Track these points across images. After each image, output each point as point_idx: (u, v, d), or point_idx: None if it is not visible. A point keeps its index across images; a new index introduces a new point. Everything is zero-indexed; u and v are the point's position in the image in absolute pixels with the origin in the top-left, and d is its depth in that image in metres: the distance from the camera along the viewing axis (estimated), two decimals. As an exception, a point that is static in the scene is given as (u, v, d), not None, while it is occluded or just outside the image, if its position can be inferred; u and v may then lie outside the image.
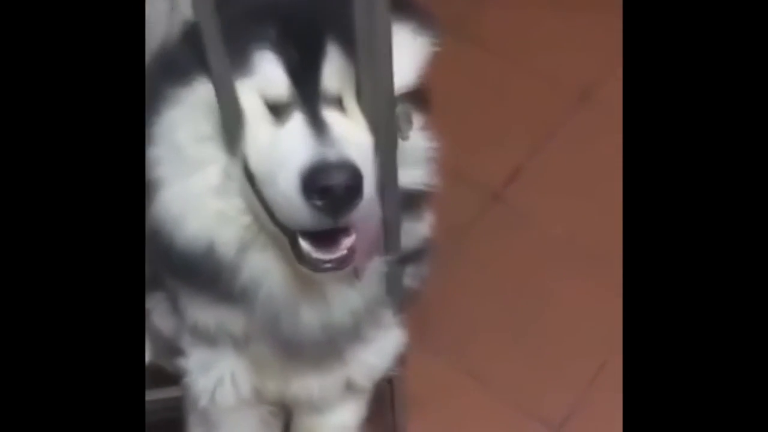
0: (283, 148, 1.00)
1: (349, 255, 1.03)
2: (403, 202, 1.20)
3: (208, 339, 1.25)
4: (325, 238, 1.02)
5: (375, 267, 1.19)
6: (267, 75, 1.04)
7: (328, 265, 1.03)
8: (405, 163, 1.15)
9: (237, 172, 1.07)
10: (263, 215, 1.07)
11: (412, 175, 1.19)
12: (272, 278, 1.14)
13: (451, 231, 1.85)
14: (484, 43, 2.26)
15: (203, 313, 1.20)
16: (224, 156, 1.07)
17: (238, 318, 1.19)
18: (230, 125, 1.03)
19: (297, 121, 1.02)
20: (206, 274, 1.13)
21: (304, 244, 1.02)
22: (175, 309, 1.25)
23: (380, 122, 1.05)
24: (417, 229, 1.30)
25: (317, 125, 1.00)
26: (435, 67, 1.18)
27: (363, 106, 1.06)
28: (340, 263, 1.03)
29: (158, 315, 1.30)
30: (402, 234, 1.24)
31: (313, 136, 0.99)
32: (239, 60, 1.03)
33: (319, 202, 0.96)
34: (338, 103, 1.06)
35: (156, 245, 1.14)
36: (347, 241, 1.03)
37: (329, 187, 0.95)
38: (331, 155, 0.97)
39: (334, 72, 1.04)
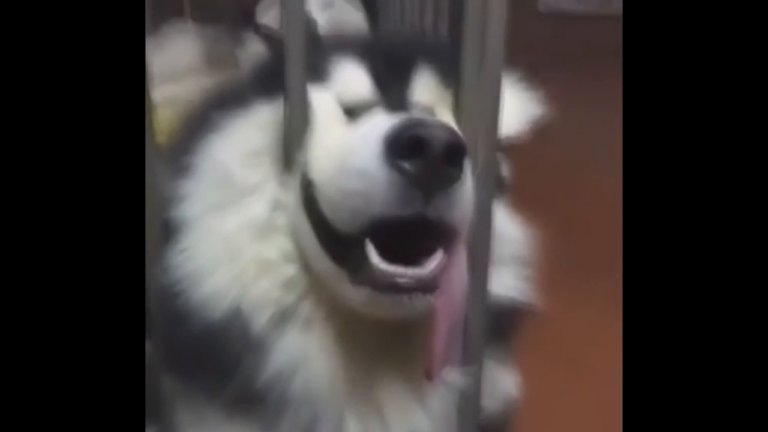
0: (362, 130, 0.79)
1: (434, 279, 0.75)
2: (490, 319, 0.92)
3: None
4: (402, 249, 0.75)
5: (449, 379, 0.87)
6: (347, 78, 0.87)
7: (404, 281, 0.74)
8: (495, 256, 0.91)
9: (289, 195, 0.84)
10: (315, 251, 0.81)
11: (502, 277, 0.93)
12: (313, 367, 0.83)
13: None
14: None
15: (208, 434, 0.86)
16: (276, 178, 0.85)
17: None
18: (295, 126, 0.83)
19: (379, 112, 0.82)
20: (224, 356, 0.83)
21: (373, 253, 0.74)
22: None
23: (480, 146, 0.83)
24: (501, 381, 0.99)
25: (404, 113, 0.80)
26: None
27: (462, 122, 0.85)
28: (421, 284, 0.75)
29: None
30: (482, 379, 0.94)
31: (400, 115, 0.78)
32: (318, 67, 0.87)
33: (408, 165, 0.71)
34: (431, 113, 0.86)
35: (162, 316, 0.86)
36: (431, 262, 0.75)
37: (424, 140, 0.71)
38: (427, 118, 0.75)
39: (425, 85, 0.87)
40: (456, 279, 0.78)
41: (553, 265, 0.95)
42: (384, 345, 0.85)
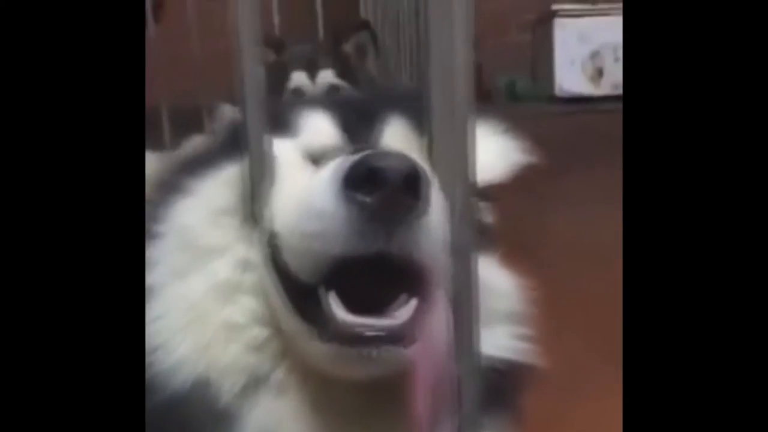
0: (323, 172, 0.75)
1: (405, 330, 0.69)
2: (485, 384, 0.85)
3: None
4: (368, 298, 0.70)
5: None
6: (313, 128, 0.84)
7: (371, 334, 0.68)
8: (486, 312, 0.84)
9: (255, 253, 0.79)
10: (283, 308, 0.76)
11: (495, 336, 0.85)
12: None
13: None
14: None
15: None
16: (243, 237, 0.80)
17: None
18: (256, 180, 0.79)
19: (344, 156, 0.78)
20: (193, 430, 0.77)
21: (335, 304, 0.69)
22: None
23: (456, 190, 0.78)
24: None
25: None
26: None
27: (435, 167, 0.81)
28: (390, 335, 0.69)
29: None
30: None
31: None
32: (287, 122, 0.85)
33: (367, 198, 0.67)
34: None
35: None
36: (403, 312, 0.70)
37: (380, 171, 0.67)
38: (387, 151, 0.72)
39: (396, 133, 0.84)
40: (433, 329, 0.72)
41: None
42: (364, 411, 0.78)
